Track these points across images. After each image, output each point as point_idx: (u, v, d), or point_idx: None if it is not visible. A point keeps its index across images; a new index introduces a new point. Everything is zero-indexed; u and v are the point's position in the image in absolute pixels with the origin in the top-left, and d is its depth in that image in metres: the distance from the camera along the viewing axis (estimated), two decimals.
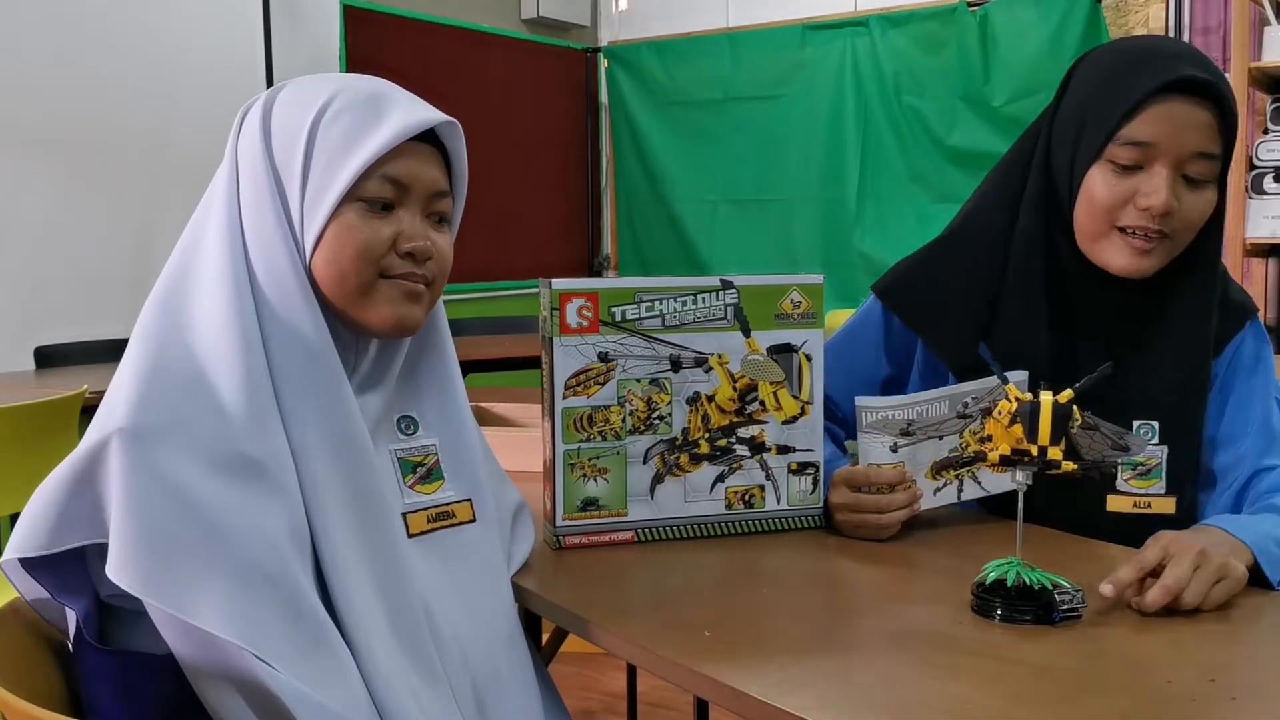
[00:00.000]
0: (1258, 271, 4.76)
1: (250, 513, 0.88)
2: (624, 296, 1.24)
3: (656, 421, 1.26)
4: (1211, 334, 1.29)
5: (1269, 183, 4.54)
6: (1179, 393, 1.28)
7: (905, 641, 0.97)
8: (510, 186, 5.11)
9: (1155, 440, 1.28)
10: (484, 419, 1.92)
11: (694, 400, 1.27)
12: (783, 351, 1.29)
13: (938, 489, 1.31)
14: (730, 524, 1.29)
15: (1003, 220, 1.33)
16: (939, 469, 1.07)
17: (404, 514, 1.04)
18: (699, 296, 1.26)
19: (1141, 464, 1.27)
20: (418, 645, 0.96)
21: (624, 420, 1.25)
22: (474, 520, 1.08)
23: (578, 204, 5.56)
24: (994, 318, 1.31)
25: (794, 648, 0.95)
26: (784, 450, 1.30)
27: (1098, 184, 1.23)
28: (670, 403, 1.26)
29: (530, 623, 1.15)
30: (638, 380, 1.25)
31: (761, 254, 4.93)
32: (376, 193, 1.00)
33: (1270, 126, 4.51)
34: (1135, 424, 1.27)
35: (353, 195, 0.99)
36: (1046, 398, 0.96)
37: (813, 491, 1.31)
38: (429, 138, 1.03)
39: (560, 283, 1.23)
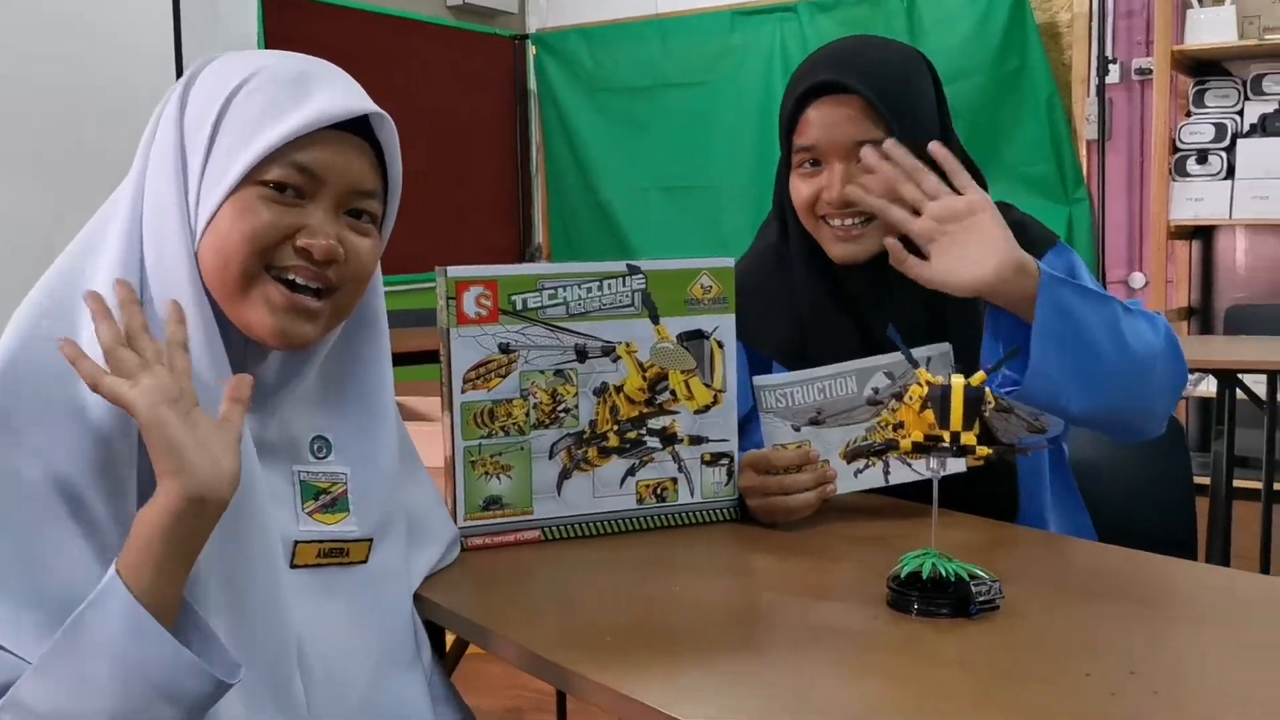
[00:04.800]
0: (1181, 254, 4.82)
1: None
2: (525, 284, 1.18)
3: (562, 414, 1.20)
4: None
5: (1191, 165, 4.59)
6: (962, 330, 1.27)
7: (819, 640, 0.92)
8: (438, 176, 5.02)
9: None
10: (402, 414, 1.85)
11: (601, 391, 1.21)
12: (693, 338, 1.24)
13: (858, 471, 1.27)
14: (642, 519, 1.24)
15: (782, 234, 1.42)
16: (852, 456, 1.03)
17: (296, 541, 0.95)
18: (604, 283, 1.21)
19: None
20: (278, 677, 0.89)
21: (527, 414, 1.19)
22: (365, 562, 0.99)
23: (508, 193, 5.48)
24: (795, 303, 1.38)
25: (702, 650, 0.90)
26: (697, 441, 1.25)
27: (797, 187, 1.33)
28: (576, 394, 1.20)
29: (437, 631, 1.08)
30: (541, 372, 1.19)
31: (693, 241, 4.89)
32: (282, 178, 0.90)
33: (1193, 109, 4.56)
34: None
35: (255, 178, 0.90)
36: (957, 381, 0.91)
37: (727, 483, 1.26)
38: (362, 130, 0.94)
39: (456, 270, 1.16)
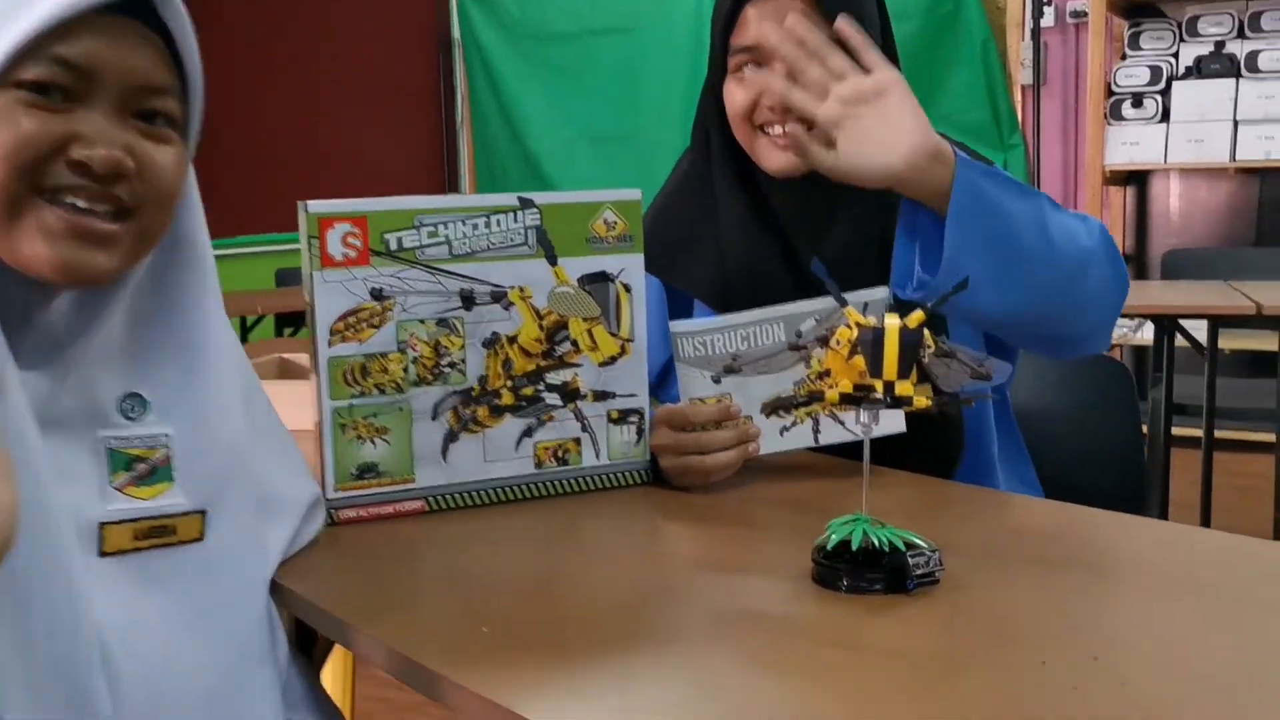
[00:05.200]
0: (1115, 199, 4.76)
1: None
2: (400, 220, 1.03)
3: (447, 369, 1.05)
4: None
5: (1127, 109, 4.52)
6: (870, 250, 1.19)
7: (733, 626, 0.79)
8: (360, 129, 4.81)
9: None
10: (289, 372, 1.69)
11: (492, 342, 1.06)
12: (596, 281, 1.10)
13: (785, 428, 1.14)
14: (541, 485, 1.10)
15: (706, 159, 1.32)
16: (772, 410, 0.90)
17: (103, 523, 0.80)
18: (493, 218, 1.06)
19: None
20: (74, 681, 0.73)
21: (406, 369, 1.04)
22: (200, 539, 0.83)
23: (432, 146, 5.28)
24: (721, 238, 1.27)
25: (595, 641, 0.77)
26: (602, 396, 1.11)
27: (732, 93, 1.22)
28: (463, 346, 1.06)
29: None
30: (421, 321, 1.04)
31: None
32: (43, 77, 0.73)
33: (1128, 52, 4.48)
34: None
35: (9, 80, 0.73)
36: (892, 322, 0.78)
37: (637, 442, 1.13)
38: (144, 15, 0.77)
39: (318, 205, 1.00)
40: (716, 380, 1.12)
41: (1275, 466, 2.87)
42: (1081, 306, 1.10)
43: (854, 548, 0.82)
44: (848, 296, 1.13)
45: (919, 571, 0.80)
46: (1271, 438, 3.11)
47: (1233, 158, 4.35)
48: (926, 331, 0.80)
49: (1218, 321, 2.64)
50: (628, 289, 1.11)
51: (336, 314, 1.01)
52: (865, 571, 0.82)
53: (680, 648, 0.76)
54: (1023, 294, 1.04)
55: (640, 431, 1.12)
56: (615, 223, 1.10)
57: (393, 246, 1.02)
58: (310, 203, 1.00)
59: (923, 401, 0.81)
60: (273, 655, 0.86)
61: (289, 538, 0.92)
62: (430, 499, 1.06)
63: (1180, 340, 2.81)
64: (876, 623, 0.78)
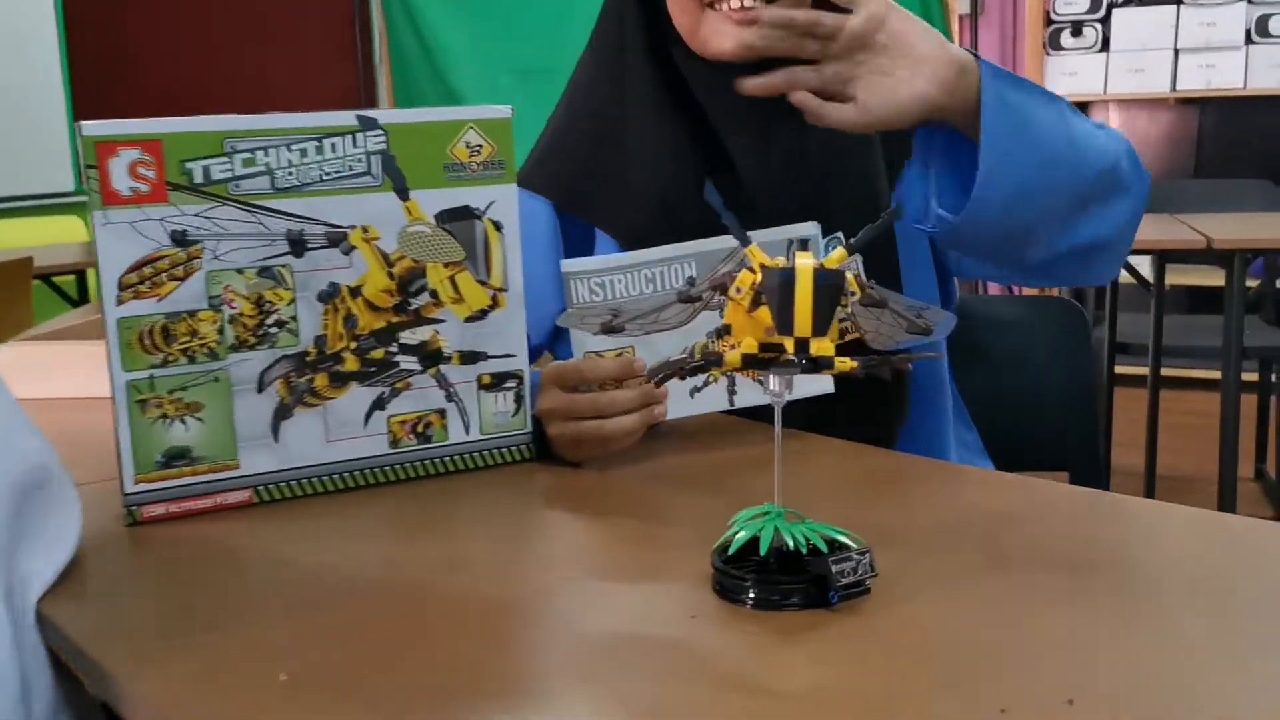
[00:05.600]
0: None
1: None
2: (205, 145, 0.83)
3: (273, 329, 0.86)
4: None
5: (1066, 38, 4.37)
6: (858, 186, 1.05)
7: (612, 659, 0.61)
8: (269, 72, 4.51)
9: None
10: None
11: (330, 296, 0.87)
12: (459, 218, 0.90)
13: (695, 389, 0.97)
14: (398, 468, 0.91)
15: (615, 64, 1.12)
16: (660, 378, 0.72)
17: None
18: (327, 142, 0.86)
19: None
20: None
21: (222, 331, 0.84)
22: None
23: (348, 85, 4.99)
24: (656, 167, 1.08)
25: (430, 691, 0.59)
26: (470, 358, 0.92)
27: None
28: (293, 301, 0.86)
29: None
30: (239, 271, 0.84)
31: None
32: None
33: None
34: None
35: None
36: (804, 263, 0.60)
37: (516, 411, 0.94)
38: None
39: (94, 126, 0.80)
40: (614, 329, 0.94)
41: (1221, 404, 2.77)
42: (1112, 225, 0.99)
43: (763, 552, 0.64)
44: (773, 233, 0.98)
45: (844, 581, 0.63)
46: (1216, 374, 3.01)
47: (1173, 87, 4.24)
48: (850, 275, 0.63)
49: (1166, 257, 2.51)
50: (498, 227, 0.92)
51: (126, 264, 0.81)
52: (777, 581, 0.65)
53: (535, 701, 0.59)
54: (1047, 206, 0.94)
55: (519, 398, 0.94)
56: (480, 146, 0.90)
57: (198, 178, 0.82)
58: (85, 124, 0.80)
59: (846, 364, 0.64)
60: (24, 712, 0.67)
61: (55, 557, 0.73)
62: (259, 489, 0.87)
63: (1124, 275, 2.68)
64: (789, 656, 0.60)
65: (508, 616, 0.68)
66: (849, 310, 0.63)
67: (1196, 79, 4.21)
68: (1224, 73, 4.16)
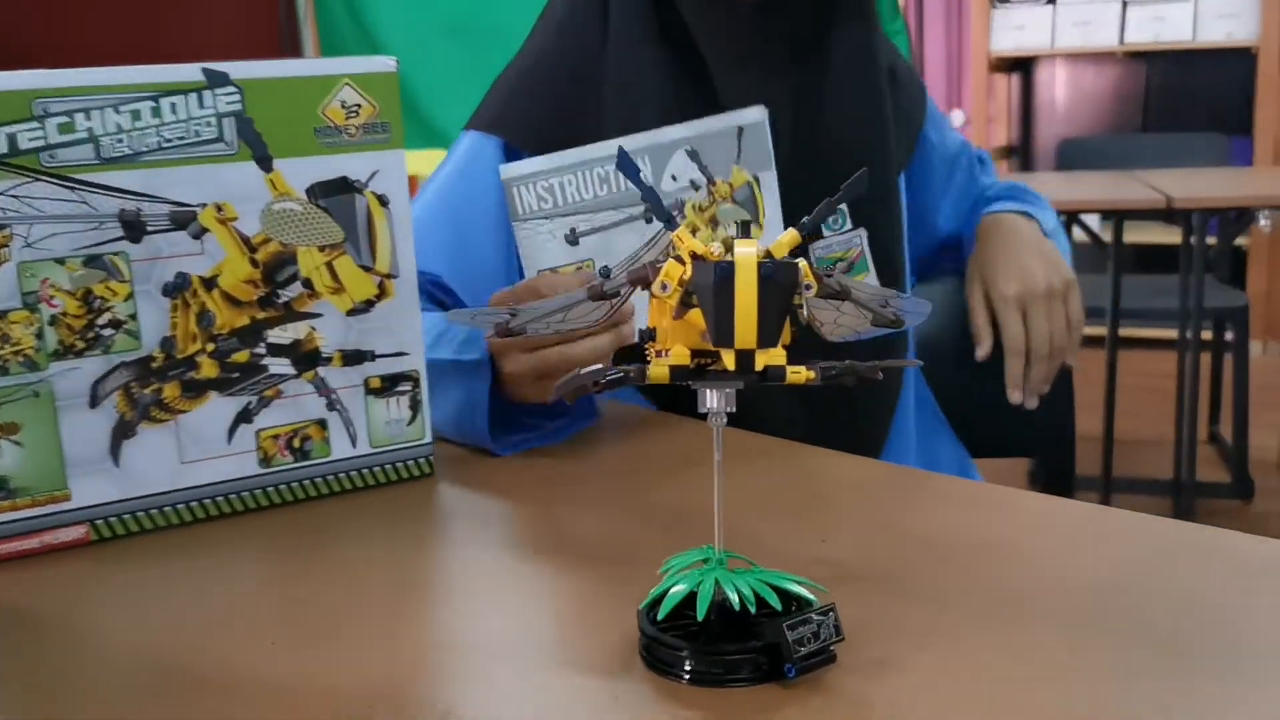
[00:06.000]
0: (1000, 86, 4.52)
1: None
2: (7, 108, 0.67)
3: (107, 332, 0.71)
4: (883, 69, 1.02)
5: None
6: (864, 144, 0.99)
7: None
8: (187, 29, 4.27)
9: (848, 226, 1.00)
10: None
11: (179, 289, 0.72)
12: (336, 193, 0.76)
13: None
14: (272, 491, 0.77)
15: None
16: (569, 393, 0.58)
17: None
18: (165, 103, 0.70)
19: (840, 259, 1.00)
20: None
21: (41, 334, 0.69)
22: None
23: (270, 44, 4.75)
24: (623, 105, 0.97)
25: None
26: (355, 358, 0.78)
27: None
28: (131, 296, 0.71)
29: None
30: (60, 261, 0.69)
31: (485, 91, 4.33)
32: None
33: None
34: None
35: None
36: (746, 252, 0.46)
37: (412, 420, 0.80)
38: None
39: None
40: (572, 241, 0.84)
41: (1178, 364, 2.69)
42: None
43: (699, 614, 0.51)
44: (714, 121, 0.89)
45: (804, 650, 0.50)
46: (1170, 334, 2.93)
47: (1121, 40, 4.14)
48: (804, 263, 0.49)
49: (1124, 216, 2.41)
50: (383, 202, 0.77)
51: None
52: (720, 650, 0.51)
53: None
54: None
55: (415, 404, 0.80)
56: (359, 106, 0.75)
57: (1, 149, 0.67)
58: None
59: (801, 374, 0.50)
60: None
61: None
62: (96, 523, 0.72)
63: (1079, 235, 2.58)
64: None
65: (394, 691, 0.54)
66: (802, 305, 0.50)
67: (1144, 32, 4.12)
68: (1172, 25, 4.07)
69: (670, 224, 0.50)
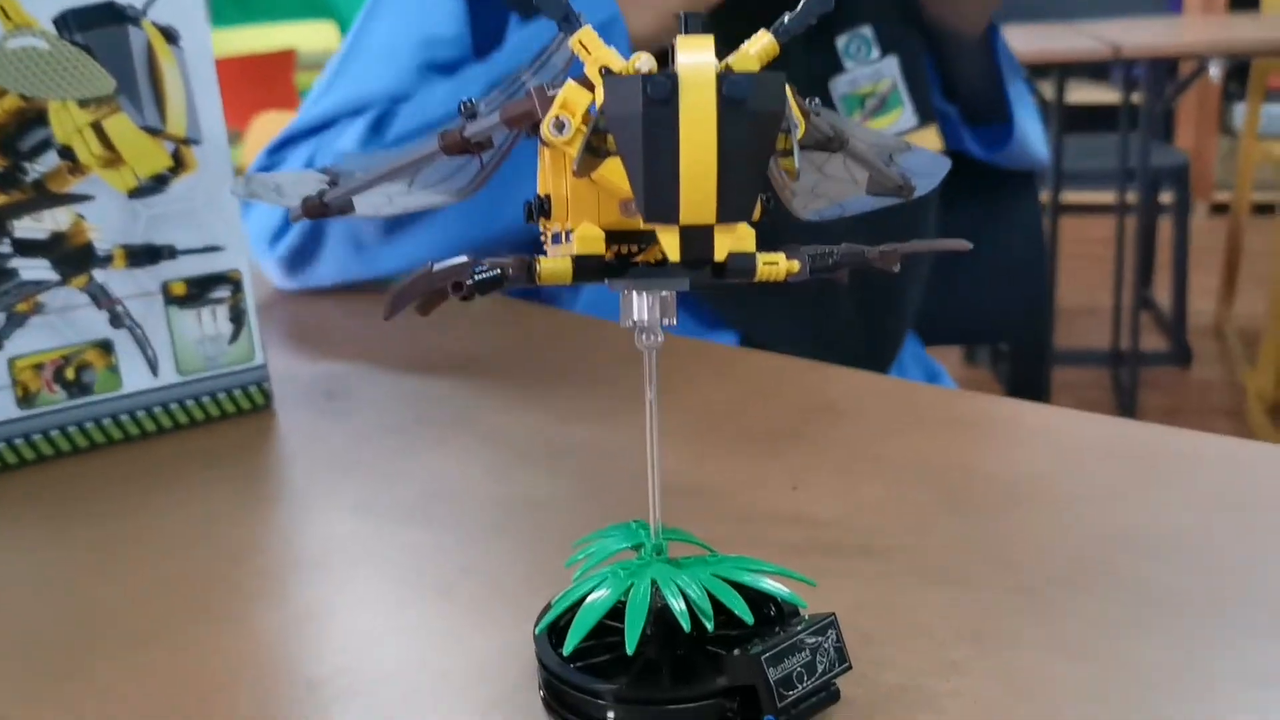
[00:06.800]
0: None
1: None
2: None
3: None
4: None
5: None
6: None
7: None
8: None
9: (875, 54, 0.87)
10: None
11: None
12: (99, 23, 0.54)
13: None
14: (38, 440, 0.57)
15: None
16: (422, 303, 0.41)
17: None
18: None
19: (870, 93, 0.87)
20: None
21: None
22: None
23: None
24: None
25: None
26: (146, 256, 0.57)
27: None
28: None
29: None
30: None
31: None
32: None
33: None
34: (839, 38, 0.87)
35: None
36: (696, 60, 0.27)
37: (235, 335, 0.60)
38: None
39: None
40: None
41: (1116, 228, 2.57)
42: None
43: (629, 646, 0.33)
44: None
45: (793, 695, 0.32)
46: (1105, 198, 2.81)
47: None
48: (791, 97, 0.30)
49: (1068, 71, 2.23)
50: (171, 36, 0.55)
51: None
52: (662, 695, 0.33)
53: None
54: None
55: (238, 315, 0.60)
56: None
57: None
58: None
59: (781, 266, 0.32)
60: None
61: None
62: None
63: None
64: None
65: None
66: (791, 152, 0.31)
67: None
68: None
69: (570, 24, 0.30)
